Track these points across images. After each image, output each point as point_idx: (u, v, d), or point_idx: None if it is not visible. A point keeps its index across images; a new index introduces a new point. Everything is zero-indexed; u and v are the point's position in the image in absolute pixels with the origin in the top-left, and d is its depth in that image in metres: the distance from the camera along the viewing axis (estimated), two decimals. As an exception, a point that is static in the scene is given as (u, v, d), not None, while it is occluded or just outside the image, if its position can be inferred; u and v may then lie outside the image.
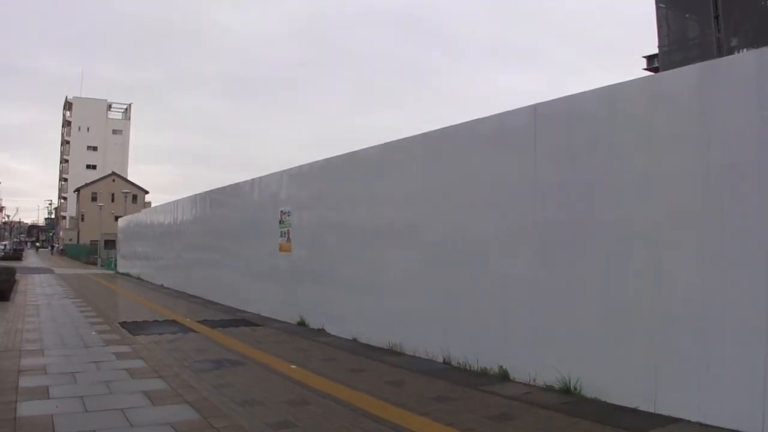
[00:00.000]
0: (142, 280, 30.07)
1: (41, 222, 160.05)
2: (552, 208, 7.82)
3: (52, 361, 9.30)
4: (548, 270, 7.86)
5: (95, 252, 61.78)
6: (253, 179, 16.81)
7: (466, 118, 10.38)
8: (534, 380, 7.73)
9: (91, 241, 72.51)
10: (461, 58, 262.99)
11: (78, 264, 57.84)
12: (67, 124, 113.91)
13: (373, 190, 11.51)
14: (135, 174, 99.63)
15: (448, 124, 9.86)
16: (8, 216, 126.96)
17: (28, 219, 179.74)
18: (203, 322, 14.00)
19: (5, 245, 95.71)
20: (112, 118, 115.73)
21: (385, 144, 11.38)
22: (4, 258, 63.16)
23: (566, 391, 7.20)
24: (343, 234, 12.39)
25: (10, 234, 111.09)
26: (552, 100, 8.08)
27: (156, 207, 28.69)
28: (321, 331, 12.60)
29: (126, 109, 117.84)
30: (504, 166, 8.62)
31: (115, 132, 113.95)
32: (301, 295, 13.89)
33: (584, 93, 7.66)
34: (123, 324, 13.43)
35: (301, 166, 14.29)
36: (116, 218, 70.44)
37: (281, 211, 14.75)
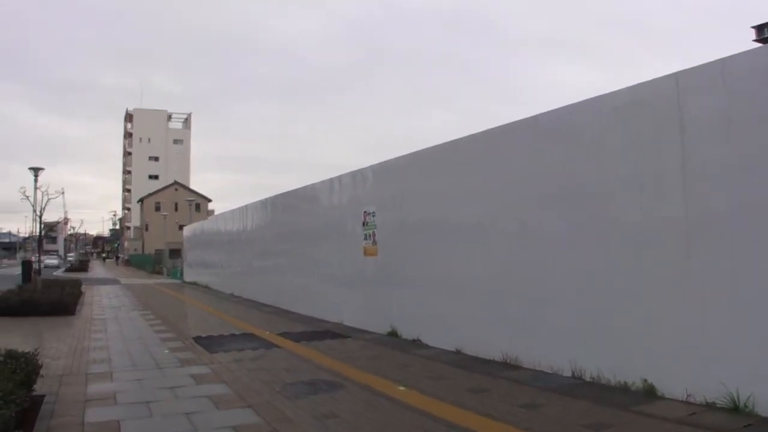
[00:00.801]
0: (210, 289, 29.06)
1: (106, 233, 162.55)
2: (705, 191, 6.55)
3: (122, 387, 8.04)
4: (710, 263, 6.48)
5: (160, 261, 61.50)
6: (331, 179, 15.45)
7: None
8: (690, 397, 6.51)
9: (155, 250, 72.43)
10: (513, 54, 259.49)
11: (143, 274, 57.49)
12: (128, 135, 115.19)
13: (474, 182, 10.14)
14: (196, 183, 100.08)
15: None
16: (73, 228, 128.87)
17: (92, 230, 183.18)
18: (284, 334, 12.66)
19: (72, 257, 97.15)
20: (172, 128, 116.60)
21: (486, 131, 9.99)
22: (71, 269, 63.54)
23: (734, 409, 6.05)
24: (440, 233, 10.94)
25: (76, 246, 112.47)
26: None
27: (224, 213, 27.56)
28: (417, 343, 11.19)
29: (186, 118, 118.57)
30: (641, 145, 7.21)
31: (175, 142, 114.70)
32: (391, 302, 12.48)
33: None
34: (197, 339, 12.17)
35: (386, 162, 12.90)
36: (180, 227, 70.45)
37: (365, 212, 13.35)
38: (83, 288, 27.62)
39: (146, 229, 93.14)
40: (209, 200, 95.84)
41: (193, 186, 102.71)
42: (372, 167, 13.40)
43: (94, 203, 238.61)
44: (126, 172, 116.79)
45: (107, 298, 24.00)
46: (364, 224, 13.43)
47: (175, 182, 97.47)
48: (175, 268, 49.77)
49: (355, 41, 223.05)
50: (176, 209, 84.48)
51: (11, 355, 7.05)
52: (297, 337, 12.17)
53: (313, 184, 16.66)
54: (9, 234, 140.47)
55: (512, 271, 9.22)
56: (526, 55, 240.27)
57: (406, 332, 11.80)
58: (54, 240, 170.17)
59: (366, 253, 13.36)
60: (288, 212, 18.77)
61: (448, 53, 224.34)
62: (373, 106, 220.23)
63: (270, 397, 7.39)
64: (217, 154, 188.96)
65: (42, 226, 22.77)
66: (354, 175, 14.25)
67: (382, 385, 7.93)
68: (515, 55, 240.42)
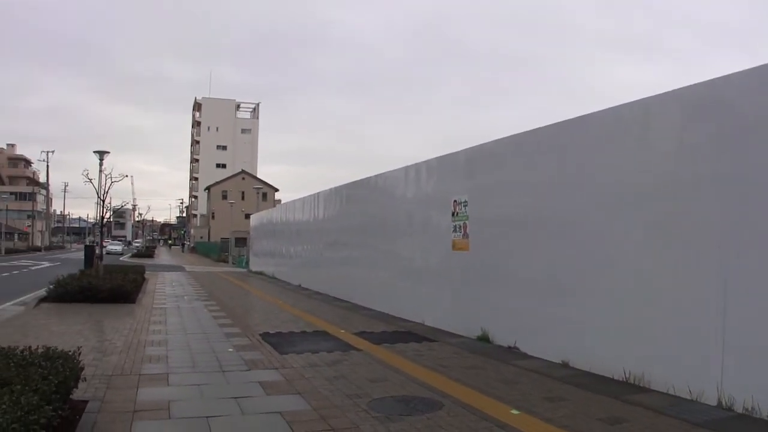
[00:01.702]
0: (277, 279, 27.96)
1: (173, 220, 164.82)
2: None
3: (178, 394, 6.76)
4: None
5: (226, 249, 61.08)
6: (415, 165, 14.01)
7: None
8: None
9: (221, 238, 72.29)
10: (577, 52, 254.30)
11: (209, 261, 57.06)
12: (196, 124, 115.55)
13: (588, 169, 8.67)
14: (261, 174, 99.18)
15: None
16: (141, 214, 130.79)
17: (159, 218, 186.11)
18: (361, 334, 11.28)
19: (139, 243, 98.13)
20: (240, 118, 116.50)
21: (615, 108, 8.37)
22: (137, 255, 63.66)
23: None
24: (547, 228, 9.40)
25: (143, 232, 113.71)
26: None
27: (293, 201, 26.30)
28: (514, 351, 9.76)
29: (254, 108, 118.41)
30: None
31: (243, 131, 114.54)
32: (482, 302, 11.00)
33: None
34: (265, 336, 10.88)
35: (482, 146, 11.40)
36: (246, 216, 70.11)
37: (454, 202, 11.88)
38: (147, 275, 26.83)
39: (212, 217, 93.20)
40: (276, 189, 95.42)
41: (259, 176, 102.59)
42: (465, 151, 11.90)
43: (159, 191, 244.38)
44: (194, 160, 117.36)
45: (170, 286, 23.04)
46: (453, 215, 11.96)
47: (243, 171, 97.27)
48: (241, 256, 49.14)
49: (423, 37, 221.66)
50: (243, 198, 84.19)
51: (48, 356, 5.80)
52: (377, 339, 10.77)
53: (392, 171, 15.23)
54: (79, 219, 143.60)
55: (644, 274, 7.61)
56: (593, 55, 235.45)
57: (500, 338, 10.34)
58: (122, 226, 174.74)
59: (455, 247, 11.89)
60: (363, 201, 17.35)
61: (515, 51, 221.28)
62: (440, 101, 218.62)
63: (356, 417, 5.99)
64: (281, 147, 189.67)
65: (104, 210, 21.90)
66: (441, 160, 12.77)
67: (489, 406, 6.46)
68: (580, 53, 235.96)
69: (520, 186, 10.06)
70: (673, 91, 7.42)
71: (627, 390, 7.18)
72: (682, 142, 7.24)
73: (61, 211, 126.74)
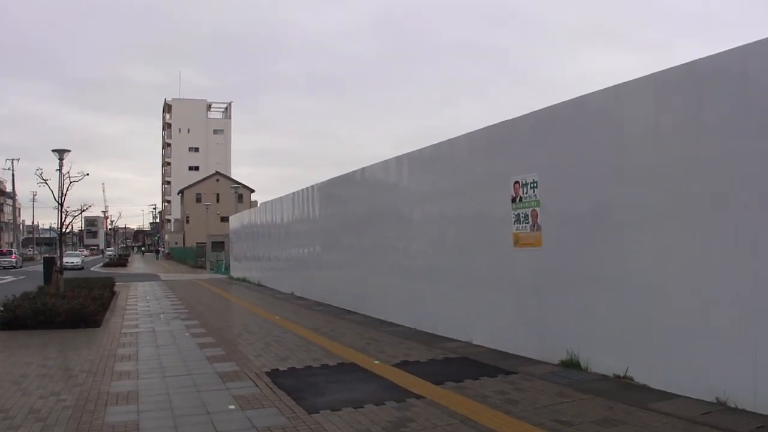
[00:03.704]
0: (263, 287, 24.79)
1: (146, 227, 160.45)
2: None
3: None
4: None
5: (202, 255, 57.54)
6: (449, 141, 11.11)
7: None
8: None
9: (197, 243, 68.56)
10: (545, 43, 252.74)
11: (185, 268, 53.43)
12: (167, 126, 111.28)
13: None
14: (235, 176, 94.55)
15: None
16: (112, 221, 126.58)
17: (132, 224, 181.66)
18: (404, 366, 8.32)
19: (111, 251, 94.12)
20: (212, 118, 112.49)
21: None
22: (109, 264, 59.87)
23: None
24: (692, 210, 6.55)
25: (114, 239, 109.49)
26: None
27: (281, 198, 22.90)
28: (630, 383, 7.12)
29: (226, 108, 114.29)
30: None
31: (216, 132, 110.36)
32: (566, 314, 8.17)
33: None
34: (274, 375, 7.87)
35: (552, 107, 8.55)
36: (222, 219, 66.76)
37: (516, 184, 9.00)
38: (117, 287, 23.62)
39: (187, 221, 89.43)
40: (252, 190, 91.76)
41: (234, 178, 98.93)
42: (528, 117, 9.01)
43: (129, 198, 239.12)
44: (165, 164, 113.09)
45: (144, 300, 19.70)
46: (514, 201, 9.06)
47: (217, 172, 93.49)
48: (219, 261, 45.87)
49: (383, 33, 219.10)
50: (218, 200, 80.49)
51: None
52: (431, 374, 7.78)
53: (420, 150, 12.19)
54: (50, 229, 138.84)
55: None
56: (556, 45, 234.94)
57: (599, 363, 7.58)
58: (95, 234, 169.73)
59: (518, 242, 8.99)
60: (374, 190, 14.31)
61: (480, 44, 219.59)
62: (407, 98, 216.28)
63: None
64: (252, 147, 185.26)
65: (64, 216, 18.56)
66: (493, 131, 9.86)
67: None
68: (547, 44, 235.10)
69: (643, 146, 7.15)
70: None
71: None
72: None
73: (32, 222, 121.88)
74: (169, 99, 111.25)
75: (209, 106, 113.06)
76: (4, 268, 51.38)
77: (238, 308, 17.48)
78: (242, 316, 15.29)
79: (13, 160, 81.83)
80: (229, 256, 37.90)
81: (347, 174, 15.98)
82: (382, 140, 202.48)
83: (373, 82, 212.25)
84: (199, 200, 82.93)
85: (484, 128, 10.09)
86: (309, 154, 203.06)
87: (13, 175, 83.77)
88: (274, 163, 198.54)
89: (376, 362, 8.60)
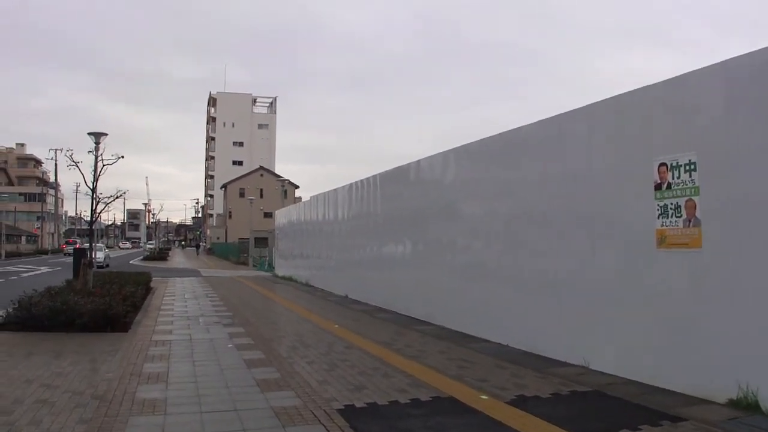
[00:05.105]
0: (313, 287, 22.78)
1: (189, 221, 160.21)
2: None
3: None
4: None
5: (245, 251, 55.91)
6: (559, 118, 8.98)
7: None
8: None
9: (239, 239, 67.01)
10: (581, 44, 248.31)
11: (227, 264, 51.71)
12: (211, 120, 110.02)
13: None
14: (278, 172, 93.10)
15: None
16: (154, 215, 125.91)
17: (175, 219, 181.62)
18: (522, 405, 6.18)
19: (152, 244, 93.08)
20: (257, 113, 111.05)
21: None
22: (149, 258, 58.46)
23: None
24: None
25: (156, 233, 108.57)
26: None
27: (335, 190, 20.75)
28: None
29: (271, 102, 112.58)
30: None
31: (260, 126, 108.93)
32: (735, 339, 5.98)
33: None
34: (351, 417, 5.78)
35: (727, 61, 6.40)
36: (266, 214, 65.10)
37: (661, 166, 6.87)
38: (154, 282, 21.85)
39: (230, 216, 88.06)
40: (297, 186, 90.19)
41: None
42: (688, 76, 6.86)
43: (172, 192, 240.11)
44: (209, 158, 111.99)
45: (182, 299, 17.82)
46: (659, 188, 6.92)
47: (261, 167, 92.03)
48: (262, 258, 44.09)
49: (425, 32, 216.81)
50: (261, 196, 78.96)
51: None
52: (567, 419, 5.62)
53: (519, 128, 9.98)
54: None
55: None
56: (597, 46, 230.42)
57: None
58: (137, 227, 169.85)
59: (664, 242, 6.86)
60: (457, 178, 12.22)
61: (520, 45, 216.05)
62: (446, 96, 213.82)
63: None
64: (291, 144, 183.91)
65: (96, 203, 16.73)
66: (625, 101, 7.72)
67: None
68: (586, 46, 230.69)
69: None
70: None
71: None
72: None
73: (75, 213, 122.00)
74: (213, 93, 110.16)
75: (254, 101, 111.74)
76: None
77: (287, 312, 15.46)
78: (294, 324, 13.21)
79: (56, 150, 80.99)
80: (274, 252, 36.01)
81: (420, 160, 13.80)
82: (415, 139, 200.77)
83: (407, 80, 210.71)
84: (242, 195, 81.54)
85: (602, 101, 7.96)
86: (346, 151, 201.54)
87: (56, 165, 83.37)
88: (311, 160, 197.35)
89: (484, 397, 6.48)
